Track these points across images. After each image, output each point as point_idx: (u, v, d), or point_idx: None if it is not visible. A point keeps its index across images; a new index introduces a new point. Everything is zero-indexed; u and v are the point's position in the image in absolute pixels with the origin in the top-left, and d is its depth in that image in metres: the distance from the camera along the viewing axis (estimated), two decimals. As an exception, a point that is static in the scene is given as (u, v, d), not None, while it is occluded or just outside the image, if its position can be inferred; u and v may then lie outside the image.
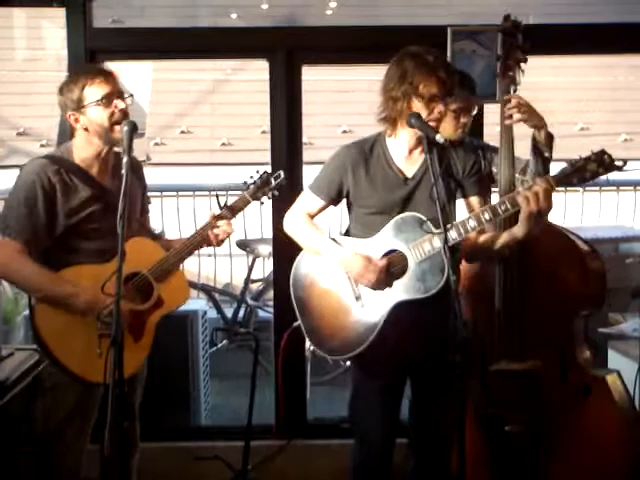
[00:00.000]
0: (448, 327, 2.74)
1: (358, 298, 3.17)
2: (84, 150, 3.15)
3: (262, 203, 3.44)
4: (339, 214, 5.04)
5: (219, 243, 3.33)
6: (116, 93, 3.09)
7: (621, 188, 6.81)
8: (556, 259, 3.46)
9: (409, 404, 3.50)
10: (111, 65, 4.10)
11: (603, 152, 2.92)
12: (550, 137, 3.44)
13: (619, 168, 2.92)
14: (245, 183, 3.38)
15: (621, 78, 10.77)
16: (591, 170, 2.91)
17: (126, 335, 3.07)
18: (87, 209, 3.12)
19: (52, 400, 3.15)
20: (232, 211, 3.34)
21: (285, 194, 4.05)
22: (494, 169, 3.61)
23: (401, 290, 3.08)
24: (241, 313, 6.25)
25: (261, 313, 6.28)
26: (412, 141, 3.10)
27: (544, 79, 9.33)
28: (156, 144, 10.48)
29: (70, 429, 3.17)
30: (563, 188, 3.03)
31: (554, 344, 3.50)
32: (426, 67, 3.00)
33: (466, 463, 2.75)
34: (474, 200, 3.18)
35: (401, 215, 3.10)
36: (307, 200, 3.30)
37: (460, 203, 3.18)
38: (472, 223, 3.00)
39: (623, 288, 4.50)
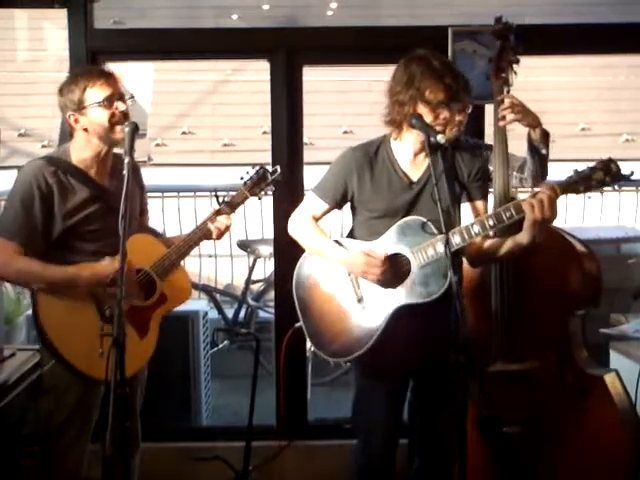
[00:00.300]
0: (450, 328, 2.73)
1: (360, 301, 3.17)
2: (83, 151, 3.16)
3: (259, 198, 3.44)
4: (340, 218, 5.05)
5: (219, 237, 3.34)
6: (117, 95, 3.11)
7: (623, 189, 6.81)
8: (552, 259, 3.45)
9: (408, 405, 3.50)
10: (112, 66, 4.10)
11: (610, 160, 2.90)
12: (546, 134, 3.45)
13: (626, 177, 2.91)
14: (242, 179, 3.39)
15: (622, 78, 10.77)
16: (597, 179, 2.89)
17: (131, 332, 3.11)
18: (85, 210, 3.13)
19: (53, 400, 3.16)
20: (231, 206, 3.35)
21: (286, 194, 4.06)
22: (490, 167, 3.61)
23: (403, 294, 3.08)
24: (242, 314, 6.26)
25: (262, 314, 6.28)
26: (417, 145, 3.09)
27: (545, 79, 9.34)
28: (157, 145, 10.48)
29: (71, 429, 3.17)
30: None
31: (551, 344, 3.49)
32: (433, 73, 3.01)
33: (467, 464, 2.75)
34: (480, 204, 3.18)
35: (405, 219, 3.09)
36: (312, 203, 3.29)
37: (465, 207, 3.17)
38: (476, 229, 2.99)
39: (625, 289, 4.50)
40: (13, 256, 3.05)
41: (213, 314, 6.03)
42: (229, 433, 4.48)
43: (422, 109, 3.02)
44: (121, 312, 2.55)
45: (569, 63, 9.99)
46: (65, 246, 3.13)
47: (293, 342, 3.91)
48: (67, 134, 3.25)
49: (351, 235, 3.28)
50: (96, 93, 3.08)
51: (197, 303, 5.40)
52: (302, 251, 3.34)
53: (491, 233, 3.06)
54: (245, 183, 3.37)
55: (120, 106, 3.09)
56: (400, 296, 3.08)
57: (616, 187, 6.64)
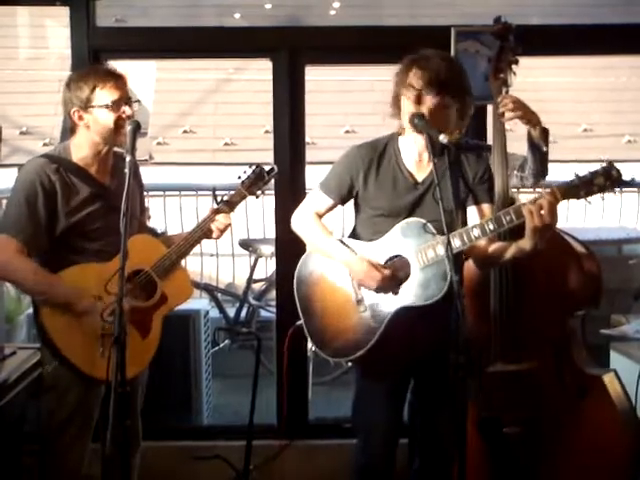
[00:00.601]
0: (451, 328, 2.73)
1: (360, 302, 3.16)
2: (83, 149, 3.16)
3: (257, 197, 3.43)
4: (341, 216, 5.04)
5: (219, 236, 3.34)
6: (125, 99, 3.11)
7: (624, 190, 6.81)
8: (551, 260, 3.45)
9: (409, 405, 3.50)
10: (114, 64, 4.10)
11: (611, 166, 2.88)
12: (545, 132, 3.45)
13: (628, 183, 2.91)
14: (239, 178, 3.38)
15: (624, 79, 10.75)
16: (598, 184, 2.88)
17: (133, 332, 3.10)
18: (87, 208, 3.13)
19: (54, 399, 3.15)
20: (229, 205, 3.35)
21: (287, 194, 4.06)
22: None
23: (403, 296, 3.07)
24: (243, 313, 6.26)
25: (263, 313, 6.28)
26: (422, 144, 3.07)
27: (547, 80, 9.33)
28: (159, 143, 10.46)
29: (72, 428, 3.17)
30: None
31: (550, 344, 3.49)
32: (421, 60, 3.02)
33: (467, 464, 2.75)
34: (486, 207, 3.16)
35: (406, 220, 3.09)
36: (316, 199, 3.29)
37: (472, 210, 3.16)
38: (476, 232, 2.98)
39: (626, 290, 4.50)
40: (17, 255, 3.05)
41: (214, 313, 6.03)
42: (230, 432, 4.47)
43: (406, 94, 3.02)
44: (121, 312, 2.55)
45: (571, 64, 9.97)
46: (68, 246, 3.13)
47: (295, 340, 3.91)
48: (66, 130, 3.24)
49: (354, 234, 3.27)
50: (105, 95, 3.07)
51: (198, 302, 5.39)
52: (304, 250, 3.34)
53: (491, 236, 3.06)
54: (243, 182, 3.37)
55: (127, 111, 3.09)
56: (400, 298, 3.08)
57: (617, 191, 6.65)
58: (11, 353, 3.23)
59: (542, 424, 3.47)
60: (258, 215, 6.58)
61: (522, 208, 2.92)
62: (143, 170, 3.45)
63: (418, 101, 3.00)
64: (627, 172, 2.94)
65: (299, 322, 3.32)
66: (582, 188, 2.90)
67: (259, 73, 7.70)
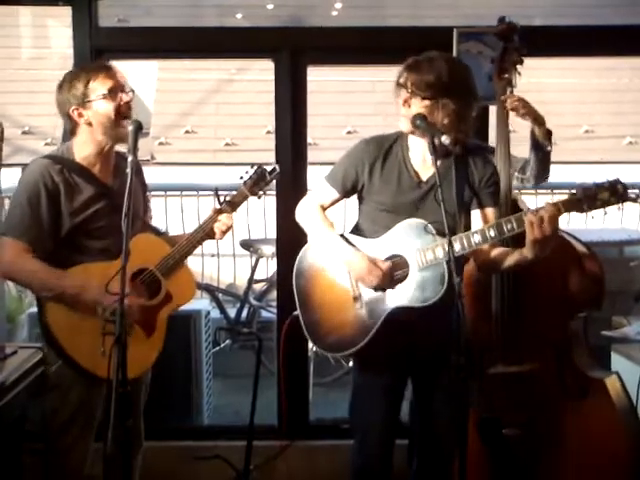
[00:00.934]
0: (451, 329, 2.73)
1: (356, 298, 3.17)
2: (85, 148, 3.16)
3: (259, 197, 3.43)
4: (343, 211, 5.05)
5: (222, 236, 3.34)
6: (120, 87, 3.12)
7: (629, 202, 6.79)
8: (553, 261, 3.43)
9: (410, 405, 3.50)
10: (116, 64, 4.10)
11: (617, 181, 2.88)
12: (549, 132, 3.45)
13: (634, 199, 2.90)
14: (241, 178, 3.39)
15: (625, 80, 10.74)
16: (602, 199, 2.87)
17: (138, 331, 3.14)
18: (91, 208, 3.13)
19: (57, 398, 3.16)
20: (232, 205, 3.35)
21: (289, 195, 4.07)
22: None
23: (399, 296, 3.08)
24: (244, 313, 6.26)
25: (264, 313, 6.29)
26: (427, 143, 3.07)
27: (549, 81, 9.32)
28: (160, 143, 10.46)
29: (74, 428, 3.18)
30: (567, 190, 3.02)
31: (551, 346, 3.49)
32: (409, 66, 3.05)
33: (467, 465, 2.75)
34: (489, 211, 3.16)
35: (407, 220, 3.09)
36: (322, 191, 3.30)
37: (475, 214, 3.16)
38: (477, 238, 2.99)
39: (627, 291, 4.50)
40: (22, 255, 3.06)
41: (215, 313, 6.04)
42: (230, 432, 4.48)
43: (397, 98, 3.05)
44: (123, 311, 2.55)
45: (572, 65, 9.96)
46: (73, 245, 3.13)
47: (295, 341, 3.91)
48: (66, 132, 3.25)
49: (356, 228, 3.28)
50: (99, 86, 3.09)
51: (199, 302, 5.40)
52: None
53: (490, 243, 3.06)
54: (245, 182, 3.37)
55: (124, 97, 3.11)
56: (396, 298, 3.09)
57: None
58: (12, 352, 3.22)
59: (542, 425, 3.47)
60: (259, 215, 6.58)
61: (524, 217, 2.91)
62: (145, 170, 3.46)
63: (406, 104, 3.03)
64: (628, 174, 2.94)
65: (296, 312, 3.33)
66: (585, 202, 2.89)
67: (261, 73, 7.69)
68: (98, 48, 4.19)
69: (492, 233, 2.97)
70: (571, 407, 3.45)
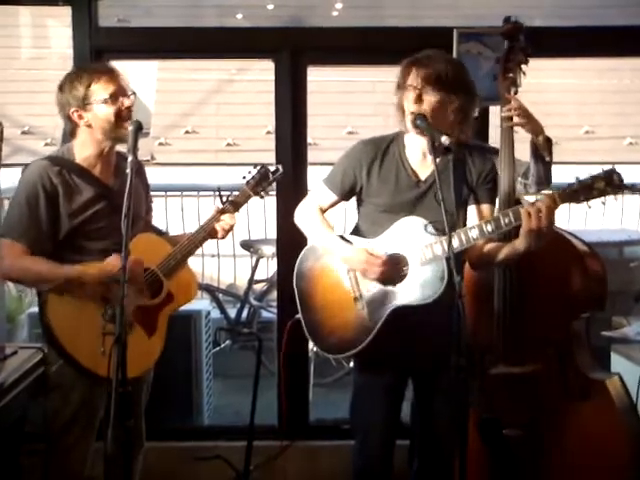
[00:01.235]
0: (451, 329, 2.73)
1: (357, 299, 3.17)
2: (86, 149, 3.16)
3: (262, 197, 3.43)
4: (343, 213, 5.04)
5: (224, 236, 3.34)
6: (122, 91, 3.11)
7: (625, 192, 6.79)
8: (555, 261, 3.44)
9: (411, 406, 3.50)
10: (116, 64, 4.10)
11: (613, 171, 2.87)
12: (549, 141, 3.42)
13: (629, 188, 2.89)
14: (244, 178, 3.38)
15: (626, 81, 10.75)
16: (598, 189, 2.86)
17: (139, 331, 3.14)
18: (91, 209, 3.13)
19: (58, 399, 3.16)
20: (234, 205, 3.35)
21: (289, 195, 4.06)
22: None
23: (400, 295, 3.08)
24: (244, 313, 6.26)
25: (264, 313, 6.29)
26: (426, 143, 3.08)
27: (549, 81, 9.33)
28: (161, 144, 10.47)
29: (76, 428, 3.18)
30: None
31: (553, 347, 3.47)
32: (411, 60, 3.05)
33: (467, 465, 2.75)
34: (486, 208, 3.17)
35: (406, 218, 3.10)
36: (320, 193, 3.31)
37: (471, 210, 3.16)
38: (474, 233, 2.99)
39: (627, 292, 4.50)
40: (20, 256, 3.06)
41: (215, 314, 6.03)
42: (230, 433, 4.48)
43: (407, 95, 3.03)
44: (122, 310, 2.55)
45: (573, 65, 9.97)
46: (72, 246, 3.13)
47: (295, 342, 3.91)
48: (66, 134, 3.24)
49: (356, 230, 3.28)
50: (101, 89, 3.08)
51: (199, 303, 5.40)
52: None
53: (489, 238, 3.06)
54: (248, 182, 3.37)
55: (126, 102, 3.10)
56: (397, 297, 3.08)
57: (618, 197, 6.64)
58: (12, 353, 3.22)
59: (543, 426, 3.46)
60: (259, 216, 6.58)
61: (521, 210, 2.92)
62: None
63: (419, 100, 3.01)
64: (628, 174, 2.93)
65: (297, 316, 3.34)
66: (582, 192, 2.89)
67: (261, 74, 7.69)
68: (98, 48, 4.18)
69: (489, 228, 2.97)
70: (572, 408, 3.44)
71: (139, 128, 2.93)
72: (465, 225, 3.09)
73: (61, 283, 3.07)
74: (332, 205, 3.31)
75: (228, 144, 10.67)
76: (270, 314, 6.11)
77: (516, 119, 3.37)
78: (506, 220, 2.95)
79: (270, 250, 6.02)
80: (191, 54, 4.66)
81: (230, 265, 7.19)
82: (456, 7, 4.82)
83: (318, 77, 5.55)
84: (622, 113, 10.76)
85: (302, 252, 3.34)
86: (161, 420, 4.23)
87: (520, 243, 2.98)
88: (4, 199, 4.48)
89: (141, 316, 3.15)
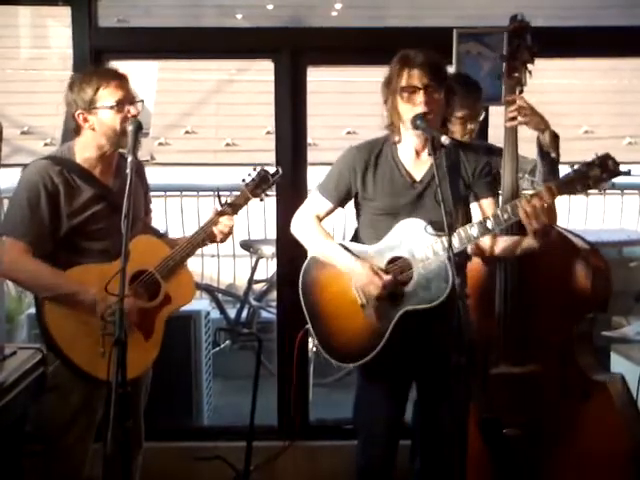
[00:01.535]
0: (453, 329, 2.72)
1: (364, 306, 3.15)
2: (88, 150, 3.15)
3: (261, 200, 3.42)
4: (343, 219, 5.03)
5: (223, 239, 3.33)
6: (129, 99, 3.10)
7: (625, 192, 6.81)
8: (558, 261, 3.44)
9: (413, 406, 3.50)
10: (116, 64, 4.10)
11: (607, 156, 2.83)
12: (556, 137, 3.41)
13: (625, 173, 2.86)
14: (244, 180, 3.37)
15: (626, 81, 10.75)
16: (594, 176, 2.82)
17: (136, 333, 3.12)
18: (91, 209, 3.13)
19: (57, 400, 3.15)
20: (233, 208, 3.34)
21: (289, 195, 4.06)
22: (500, 171, 3.58)
23: (407, 299, 3.07)
24: (244, 314, 6.26)
25: (264, 314, 6.28)
26: (419, 143, 3.08)
27: (549, 81, 9.32)
28: (160, 144, 10.47)
29: (75, 429, 3.18)
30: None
31: (555, 348, 3.48)
32: (401, 62, 3.04)
33: (468, 465, 2.75)
34: (486, 202, 3.15)
35: (406, 220, 3.08)
36: (315, 202, 3.29)
37: (474, 207, 3.16)
38: (474, 231, 2.98)
39: (626, 292, 4.50)
40: (22, 255, 3.05)
41: (215, 314, 6.03)
42: (230, 433, 4.48)
43: (400, 101, 3.03)
44: (122, 312, 2.54)
45: (573, 65, 9.98)
46: (72, 247, 3.13)
47: (294, 334, 3.90)
48: (70, 131, 3.24)
49: (356, 236, 3.27)
50: (109, 95, 3.07)
51: (199, 303, 5.39)
52: (305, 252, 3.34)
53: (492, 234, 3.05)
54: (247, 185, 3.36)
55: (132, 110, 3.08)
56: (404, 301, 3.07)
57: (618, 190, 6.65)
58: (11, 353, 3.21)
59: (543, 426, 3.46)
60: (259, 216, 6.57)
61: (518, 204, 2.90)
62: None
63: (414, 99, 3.00)
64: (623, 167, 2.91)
65: (307, 326, 3.31)
66: (578, 182, 2.85)
67: (261, 74, 7.70)
68: (97, 48, 4.18)
69: (489, 225, 2.96)
70: (573, 409, 3.44)
71: (139, 128, 2.92)
72: (465, 223, 3.07)
73: (57, 294, 3.07)
74: (328, 213, 3.29)
75: (227, 144, 10.67)
76: (270, 314, 6.11)
77: (520, 118, 3.36)
78: (505, 216, 2.94)
79: (270, 250, 6.01)
80: (191, 54, 4.66)
81: (230, 265, 7.18)
82: (456, 7, 4.81)
83: (317, 77, 5.54)
84: (622, 113, 10.77)
85: (304, 265, 3.32)
86: (161, 420, 4.23)
87: (530, 241, 2.99)
88: (4, 199, 4.48)
89: (138, 319, 3.14)
